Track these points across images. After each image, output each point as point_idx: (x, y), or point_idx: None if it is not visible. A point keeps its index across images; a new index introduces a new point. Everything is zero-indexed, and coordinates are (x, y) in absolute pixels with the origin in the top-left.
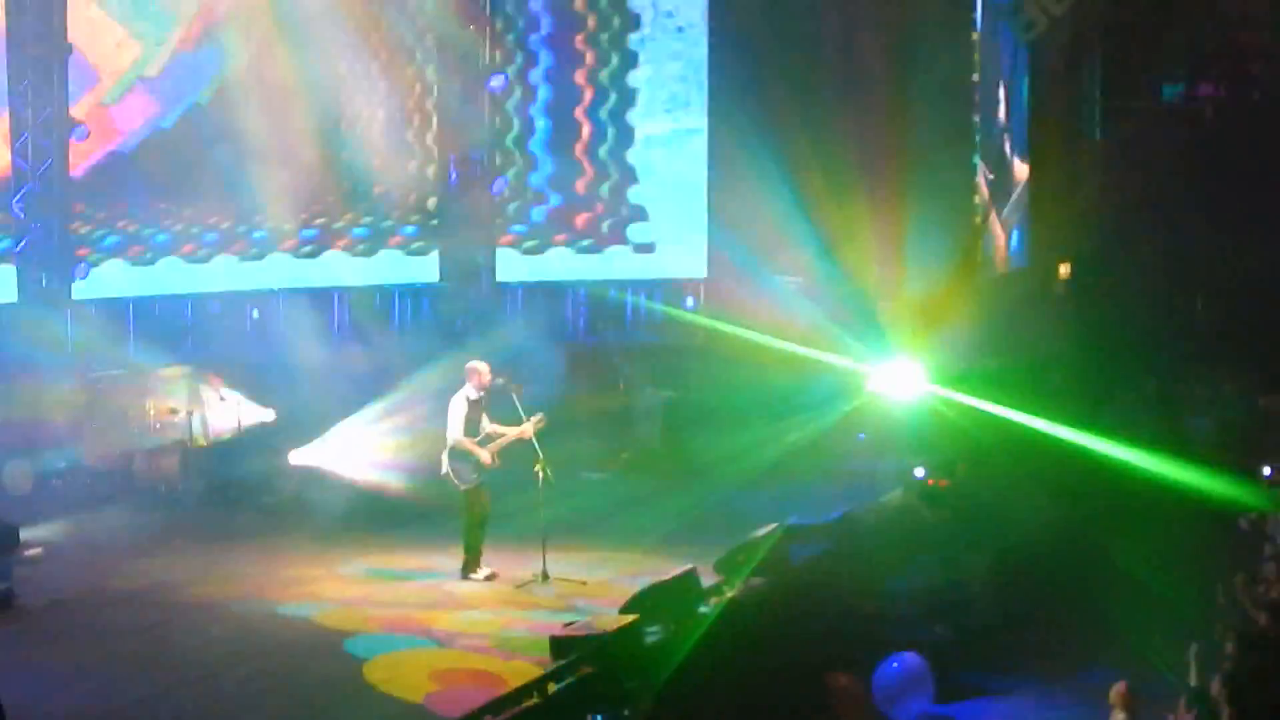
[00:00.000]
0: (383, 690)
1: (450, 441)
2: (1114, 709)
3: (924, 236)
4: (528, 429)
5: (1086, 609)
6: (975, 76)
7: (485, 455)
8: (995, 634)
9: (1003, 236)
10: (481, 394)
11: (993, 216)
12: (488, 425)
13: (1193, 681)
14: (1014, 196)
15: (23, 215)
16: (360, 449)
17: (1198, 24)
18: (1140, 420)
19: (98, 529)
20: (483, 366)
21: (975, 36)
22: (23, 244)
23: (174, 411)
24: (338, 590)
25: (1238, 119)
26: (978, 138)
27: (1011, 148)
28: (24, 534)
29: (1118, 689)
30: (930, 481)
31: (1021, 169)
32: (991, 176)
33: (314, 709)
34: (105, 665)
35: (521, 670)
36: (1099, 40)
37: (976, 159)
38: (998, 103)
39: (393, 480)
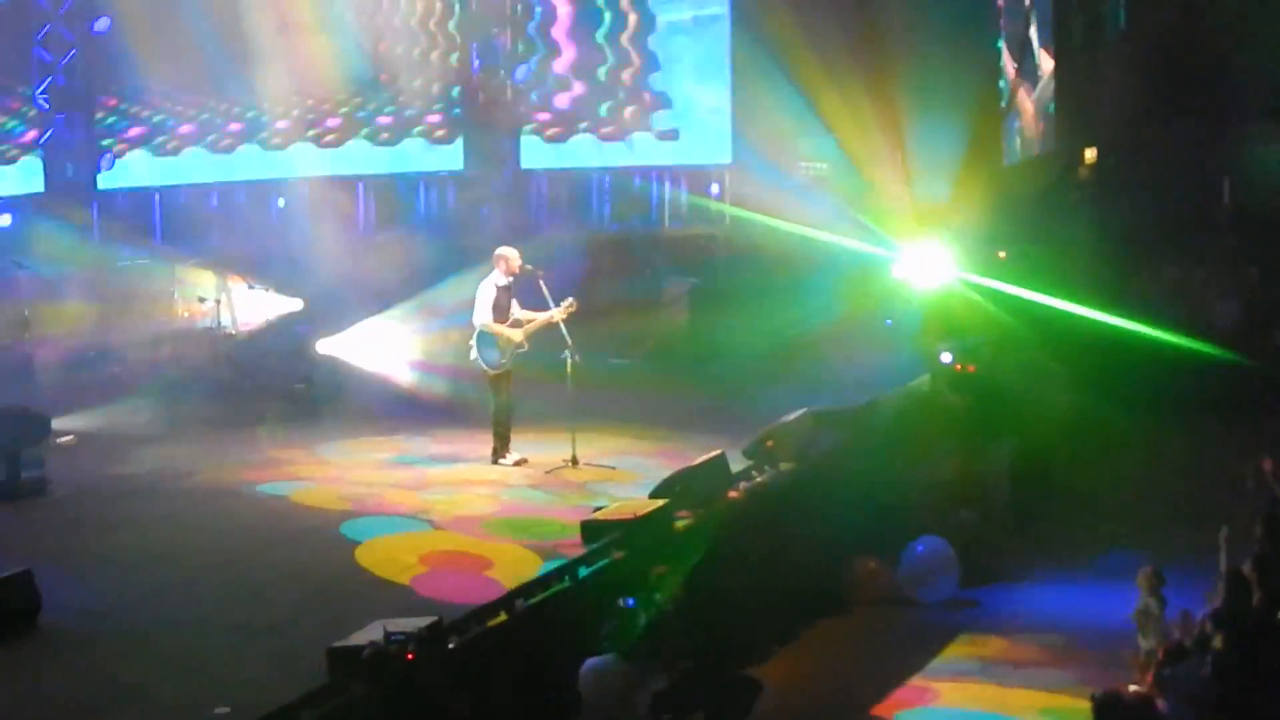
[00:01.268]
0: (377, 574)
1: (478, 325)
2: (1141, 592)
3: (945, 123)
4: (558, 314)
5: (1108, 494)
6: None
7: (517, 335)
8: (1019, 519)
9: (1031, 122)
10: (510, 280)
11: (1018, 100)
12: (518, 311)
13: (1222, 565)
14: (1039, 84)
15: (47, 107)
16: (388, 343)
17: None
18: (1161, 306)
19: (127, 417)
20: (511, 253)
21: None
22: (48, 135)
23: (202, 300)
24: (365, 475)
25: None
26: (1001, 22)
27: (1037, 34)
28: (55, 422)
29: (1145, 573)
30: (957, 367)
31: (1046, 58)
32: (1016, 64)
33: (323, 596)
34: (131, 552)
35: (505, 552)
36: None
37: (1000, 44)
38: None
39: (420, 375)
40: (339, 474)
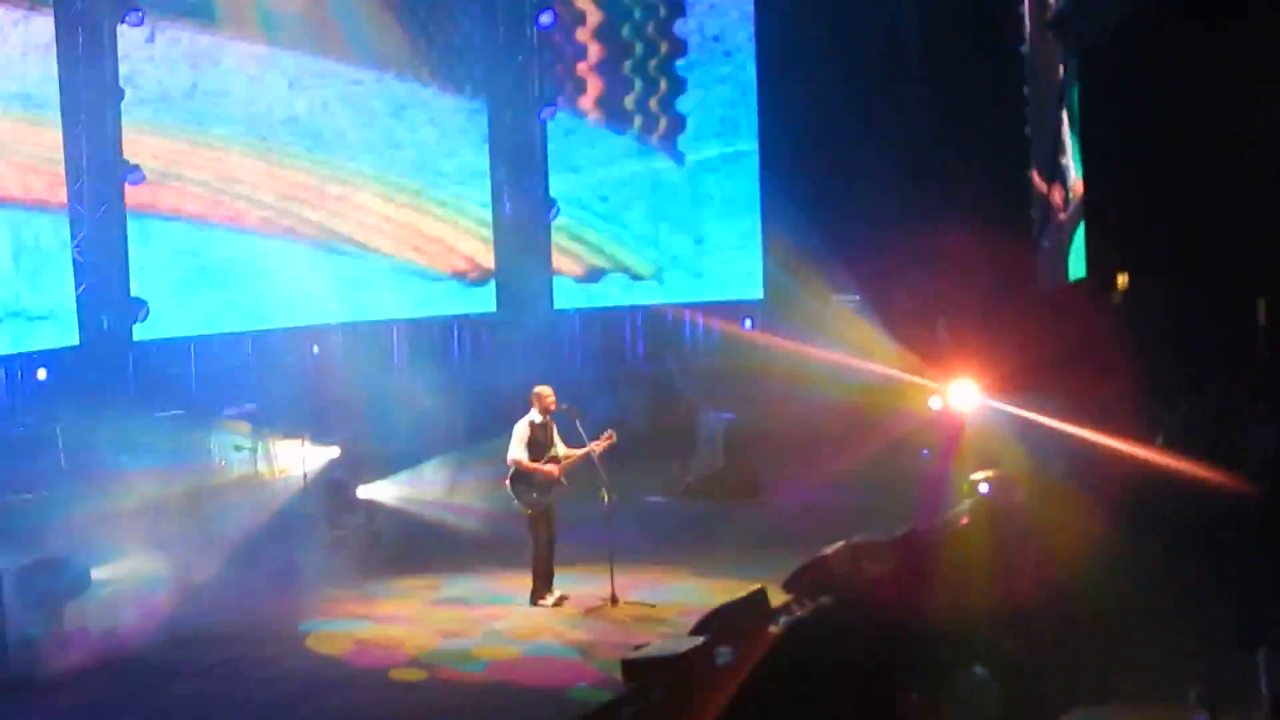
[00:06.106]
0: None
1: (510, 462)
2: (1196, 711)
3: (975, 251)
4: (597, 446)
5: (1150, 624)
6: (1026, 90)
7: (552, 468)
8: (1063, 650)
9: (1059, 249)
10: (545, 417)
11: (1049, 229)
12: (561, 448)
13: (1264, 686)
14: (1071, 208)
15: (81, 259)
16: (427, 488)
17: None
18: (1199, 431)
19: (166, 567)
20: (546, 390)
21: (1025, 49)
22: (83, 287)
23: (238, 448)
24: (412, 613)
25: None
26: (1031, 149)
27: (1069, 157)
28: (94, 573)
29: (1196, 692)
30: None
31: (1078, 180)
32: (1045, 189)
33: None
34: (183, 703)
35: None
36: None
37: (1031, 172)
38: (1053, 112)
39: (460, 517)
40: (387, 612)
